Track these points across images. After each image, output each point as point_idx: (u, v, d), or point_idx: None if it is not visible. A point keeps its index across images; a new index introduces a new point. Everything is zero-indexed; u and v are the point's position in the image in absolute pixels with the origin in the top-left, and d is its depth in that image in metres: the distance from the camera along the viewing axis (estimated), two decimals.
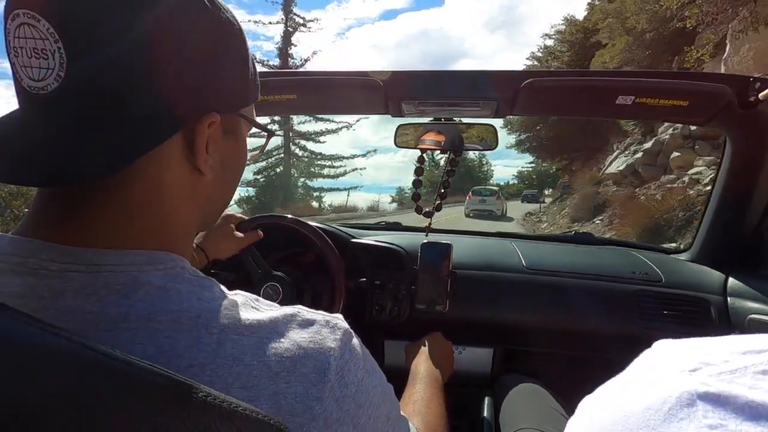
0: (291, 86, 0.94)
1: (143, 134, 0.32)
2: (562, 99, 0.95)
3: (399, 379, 0.46)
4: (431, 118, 1.05)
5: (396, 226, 1.61)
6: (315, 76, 0.95)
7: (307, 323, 0.36)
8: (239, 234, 0.96)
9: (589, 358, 1.20)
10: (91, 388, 0.21)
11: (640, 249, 1.44)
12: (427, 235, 1.17)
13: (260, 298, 0.37)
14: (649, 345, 0.32)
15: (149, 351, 0.29)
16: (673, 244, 5.24)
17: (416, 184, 1.12)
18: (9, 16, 0.30)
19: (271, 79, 0.93)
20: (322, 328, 0.36)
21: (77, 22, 0.30)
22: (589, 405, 0.32)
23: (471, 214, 16.65)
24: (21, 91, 0.32)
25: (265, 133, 0.52)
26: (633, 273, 1.20)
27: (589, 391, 0.34)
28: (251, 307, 0.35)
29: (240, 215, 1.04)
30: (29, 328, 0.20)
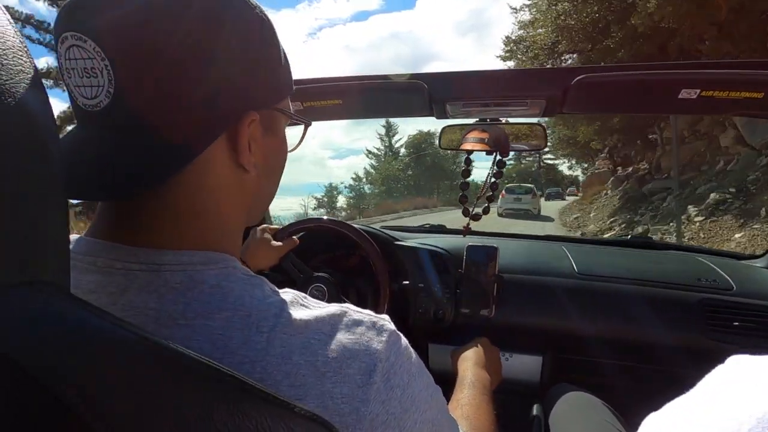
0: (336, 91, 0.96)
1: (191, 139, 0.33)
2: (617, 95, 0.90)
3: (443, 383, 0.45)
4: (476, 119, 1.04)
5: (440, 229, 1.59)
6: (360, 81, 0.97)
7: (354, 324, 0.36)
8: (276, 243, 0.98)
9: (647, 371, 1.13)
10: (155, 378, 0.22)
11: (708, 254, 1.33)
12: (464, 236, 1.14)
13: (308, 297, 0.38)
14: (716, 359, 0.29)
15: (204, 347, 0.31)
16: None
17: (463, 186, 1.10)
18: (59, 39, 0.32)
19: (316, 86, 0.96)
20: (368, 329, 0.36)
21: (120, 38, 0.31)
22: (658, 422, 0.29)
23: (505, 214, 15.29)
24: (77, 110, 0.34)
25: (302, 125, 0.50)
26: (699, 280, 1.11)
27: (649, 405, 0.31)
28: (300, 305, 0.36)
29: (275, 225, 1.07)
30: (103, 322, 0.22)
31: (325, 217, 1.14)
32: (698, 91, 0.79)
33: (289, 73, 0.42)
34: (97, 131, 0.33)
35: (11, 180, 0.21)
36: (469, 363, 0.80)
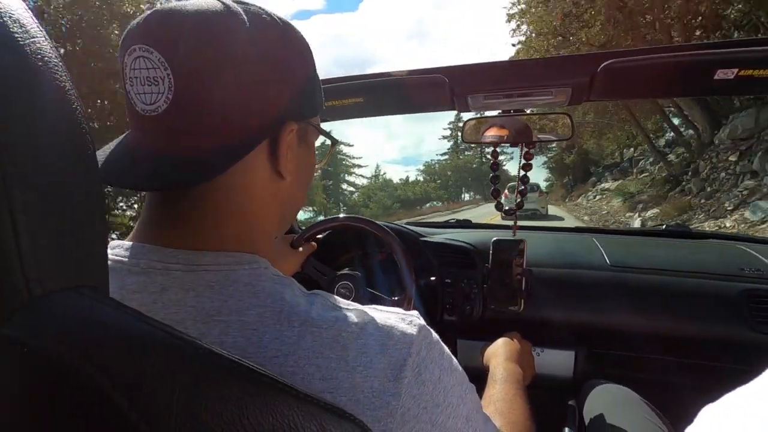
0: (357, 89, 0.96)
1: (236, 144, 0.36)
2: (647, 79, 0.86)
3: (474, 379, 0.45)
4: (500, 111, 1.02)
5: (466, 224, 1.58)
6: (380, 78, 0.97)
7: (383, 319, 0.37)
8: (295, 250, 0.99)
9: (687, 366, 1.08)
10: (194, 378, 0.23)
11: (751, 242, 1.26)
12: (514, 234, 1.12)
13: (336, 296, 0.39)
14: (763, 352, 0.28)
15: (239, 341, 0.32)
16: None
17: (494, 180, 1.09)
18: (126, 51, 0.35)
19: (338, 85, 0.96)
20: (397, 324, 0.37)
21: (182, 54, 0.34)
22: (716, 414, 0.28)
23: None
24: (134, 115, 0.37)
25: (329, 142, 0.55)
26: (742, 269, 1.06)
27: (690, 401, 0.30)
28: (329, 304, 0.37)
29: (289, 234, 1.07)
30: (142, 324, 0.24)
31: (341, 215, 1.14)
32: (736, 70, 0.74)
33: (321, 90, 0.45)
34: (153, 132, 0.36)
35: (56, 191, 0.22)
36: (500, 358, 0.79)
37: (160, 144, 0.36)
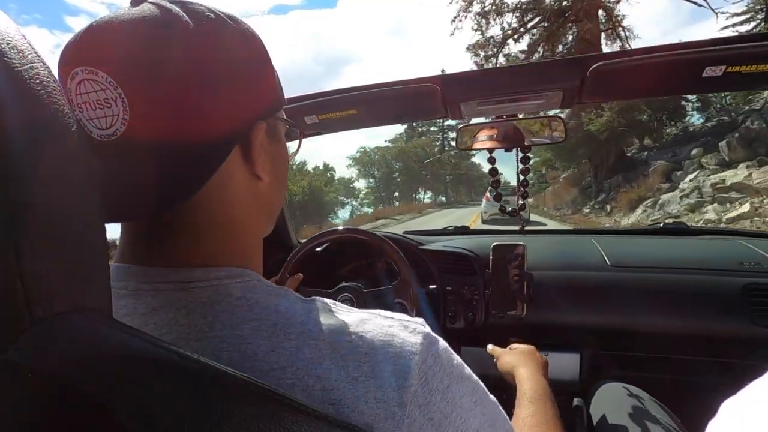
0: (351, 101, 0.97)
1: (208, 156, 0.35)
2: (638, 80, 0.87)
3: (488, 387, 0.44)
4: (493, 117, 1.03)
5: (464, 230, 1.58)
6: (373, 89, 0.97)
7: (385, 326, 0.35)
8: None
9: (693, 362, 1.08)
10: (202, 397, 0.23)
11: (748, 236, 1.27)
12: (524, 234, 1.12)
13: (337, 303, 0.38)
14: (763, 346, 0.28)
15: (234, 357, 0.31)
16: None
17: (494, 184, 1.09)
18: (68, 76, 0.33)
19: (331, 98, 0.97)
20: (400, 331, 0.35)
21: (130, 68, 0.32)
22: (738, 407, 0.28)
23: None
24: (92, 143, 0.34)
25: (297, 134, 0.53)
26: (741, 264, 1.06)
27: (699, 397, 0.30)
28: (328, 312, 0.36)
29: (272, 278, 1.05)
30: (146, 344, 0.23)
31: (340, 227, 1.14)
32: (723, 67, 0.76)
33: (279, 81, 0.43)
34: (116, 160, 0.34)
35: (58, 211, 0.22)
36: (528, 371, 0.73)
37: (126, 170, 0.34)
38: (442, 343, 0.37)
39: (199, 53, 0.33)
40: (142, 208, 0.34)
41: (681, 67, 0.79)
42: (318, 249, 1.17)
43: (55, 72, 0.26)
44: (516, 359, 0.79)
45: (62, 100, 0.24)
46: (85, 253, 0.23)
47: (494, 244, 1.11)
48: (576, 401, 0.91)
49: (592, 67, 0.80)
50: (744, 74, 0.77)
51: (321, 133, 1.13)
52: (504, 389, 0.71)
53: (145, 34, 0.32)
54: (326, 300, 0.38)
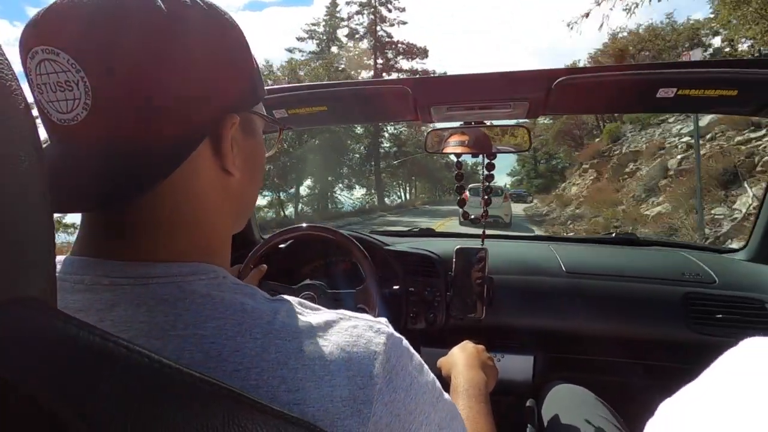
0: (321, 98, 0.96)
1: (175, 145, 0.33)
2: (598, 96, 0.92)
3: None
4: (461, 123, 1.05)
5: (429, 232, 1.60)
6: (344, 87, 0.97)
7: (351, 327, 0.35)
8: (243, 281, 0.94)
9: (635, 366, 1.15)
10: (148, 393, 0.22)
11: (691, 249, 1.36)
12: (483, 243, 1.14)
13: (304, 301, 0.38)
14: (700, 351, 0.30)
15: (197, 357, 0.30)
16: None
17: (459, 190, 1.11)
18: (27, 54, 0.31)
19: (302, 93, 0.96)
20: (365, 331, 0.35)
21: (94, 50, 0.31)
22: (674, 407, 0.30)
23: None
24: (51, 127, 0.33)
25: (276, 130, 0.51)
26: (683, 274, 1.14)
27: (638, 398, 0.32)
28: (294, 312, 0.36)
29: (235, 266, 1.02)
30: (92, 336, 0.22)
31: (304, 224, 1.12)
32: (675, 90, 0.81)
33: (261, 77, 0.42)
34: (76, 145, 0.32)
35: None
36: (460, 367, 0.76)
37: (87, 156, 0.32)
38: (405, 342, 0.38)
39: (166, 39, 0.32)
40: (100, 197, 0.32)
41: (637, 87, 0.84)
42: (282, 246, 1.15)
43: (12, 57, 0.24)
44: (449, 358, 0.82)
45: (10, 76, 0.22)
46: (27, 239, 0.22)
47: (457, 247, 1.13)
48: (528, 402, 0.94)
49: (557, 80, 0.83)
50: (693, 97, 0.82)
51: (290, 128, 1.12)
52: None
53: (110, 16, 0.31)
54: (292, 299, 0.37)
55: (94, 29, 0.31)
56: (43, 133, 0.30)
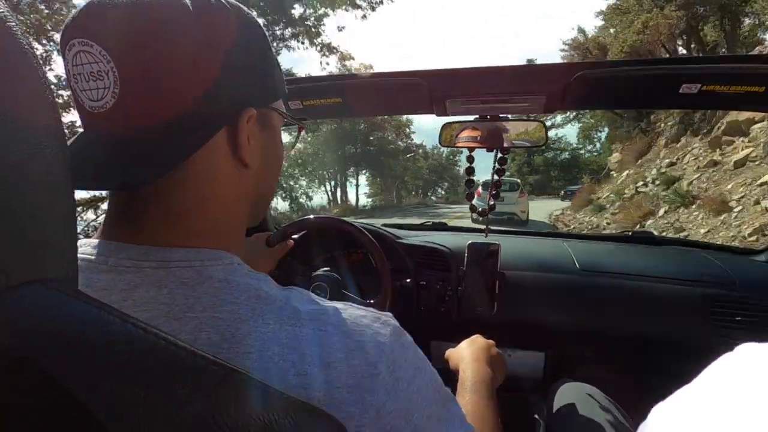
0: (336, 89, 0.96)
1: (192, 134, 0.35)
2: (617, 91, 0.89)
3: (448, 381, 0.45)
4: (477, 116, 1.03)
5: (442, 226, 1.59)
6: (359, 79, 0.97)
7: (359, 318, 0.37)
8: (270, 249, 0.96)
9: (649, 366, 1.13)
10: (165, 375, 0.23)
11: (711, 249, 1.33)
12: (486, 236, 1.14)
13: (312, 293, 0.39)
14: (719, 353, 0.29)
15: (213, 338, 0.32)
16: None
17: (468, 184, 1.10)
18: (66, 46, 0.34)
19: (317, 84, 0.96)
20: (372, 323, 0.37)
21: (124, 41, 0.33)
22: (665, 411, 0.30)
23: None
24: (84, 113, 0.36)
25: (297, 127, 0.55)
26: (702, 275, 1.11)
27: (651, 399, 0.32)
28: (305, 300, 0.37)
29: (265, 232, 1.05)
30: (112, 317, 0.23)
31: (311, 216, 1.13)
32: (699, 85, 0.78)
33: (282, 75, 0.44)
34: (105, 130, 0.35)
35: (18, 179, 0.21)
36: (468, 360, 0.75)
37: (114, 140, 0.35)
38: (408, 336, 0.40)
39: (190, 36, 0.34)
40: (122, 177, 0.35)
41: (659, 82, 0.82)
42: (295, 236, 1.16)
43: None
44: (458, 352, 0.81)
45: (31, 51, 0.23)
46: (50, 221, 0.22)
47: (470, 242, 1.13)
48: (538, 399, 0.93)
49: (576, 74, 0.82)
50: (718, 93, 0.80)
51: (304, 120, 1.12)
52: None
53: (142, 13, 0.33)
54: (302, 290, 0.39)
55: (125, 24, 0.33)
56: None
